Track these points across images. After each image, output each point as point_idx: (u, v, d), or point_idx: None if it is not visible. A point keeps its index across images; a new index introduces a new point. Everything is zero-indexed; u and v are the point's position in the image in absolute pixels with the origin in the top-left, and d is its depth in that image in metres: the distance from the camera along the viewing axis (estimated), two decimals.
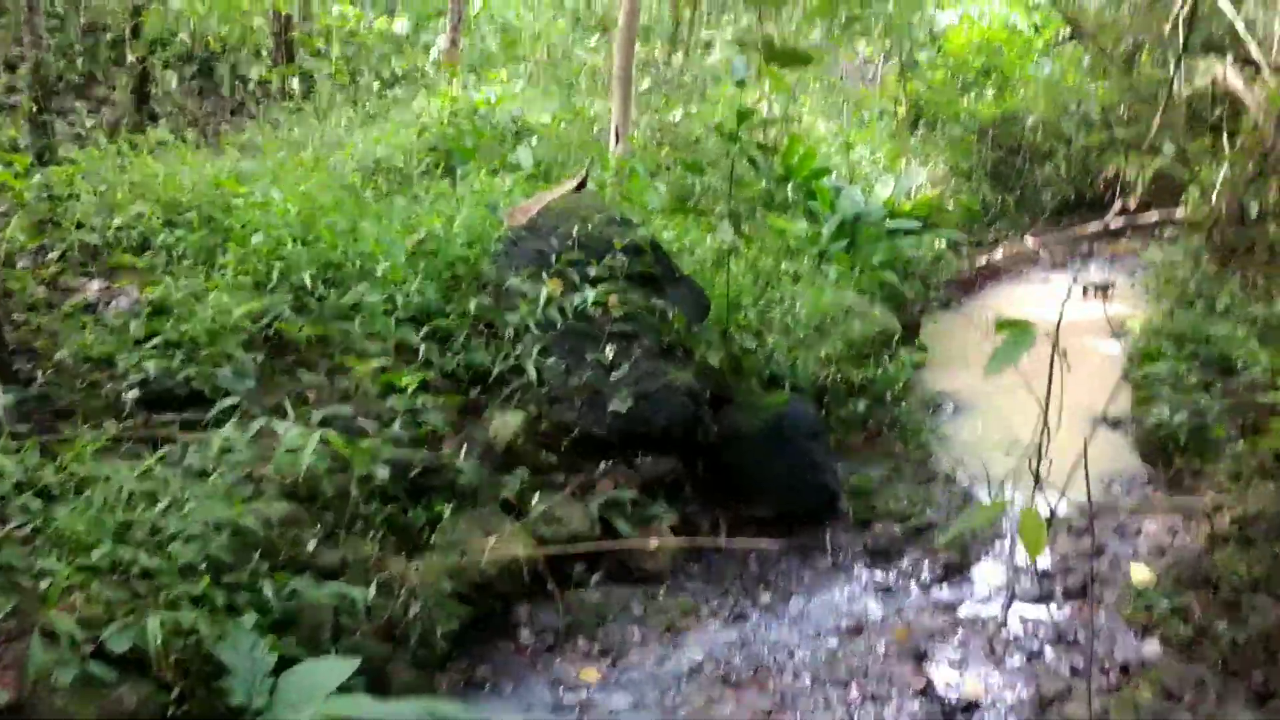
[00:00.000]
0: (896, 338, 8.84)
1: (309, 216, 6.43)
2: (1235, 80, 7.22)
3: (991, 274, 14.20)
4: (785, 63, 3.30)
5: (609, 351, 5.65)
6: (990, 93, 16.57)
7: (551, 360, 5.57)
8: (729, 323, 6.90)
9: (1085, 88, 15.71)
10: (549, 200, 6.44)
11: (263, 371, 5.11)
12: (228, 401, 4.51)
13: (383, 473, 4.30)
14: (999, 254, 13.98)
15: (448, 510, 4.44)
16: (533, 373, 5.47)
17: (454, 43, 10.50)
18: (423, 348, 5.57)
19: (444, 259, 6.30)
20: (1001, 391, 9.76)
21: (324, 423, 4.50)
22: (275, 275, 5.68)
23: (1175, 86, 10.67)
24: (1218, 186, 10.55)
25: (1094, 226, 13.71)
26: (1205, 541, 5.50)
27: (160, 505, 3.57)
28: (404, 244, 6.38)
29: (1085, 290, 13.45)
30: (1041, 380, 3.90)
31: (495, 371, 5.63)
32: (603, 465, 5.28)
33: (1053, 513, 3.57)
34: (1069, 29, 18.52)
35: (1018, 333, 2.83)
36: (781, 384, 7.27)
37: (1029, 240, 13.78)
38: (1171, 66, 10.08)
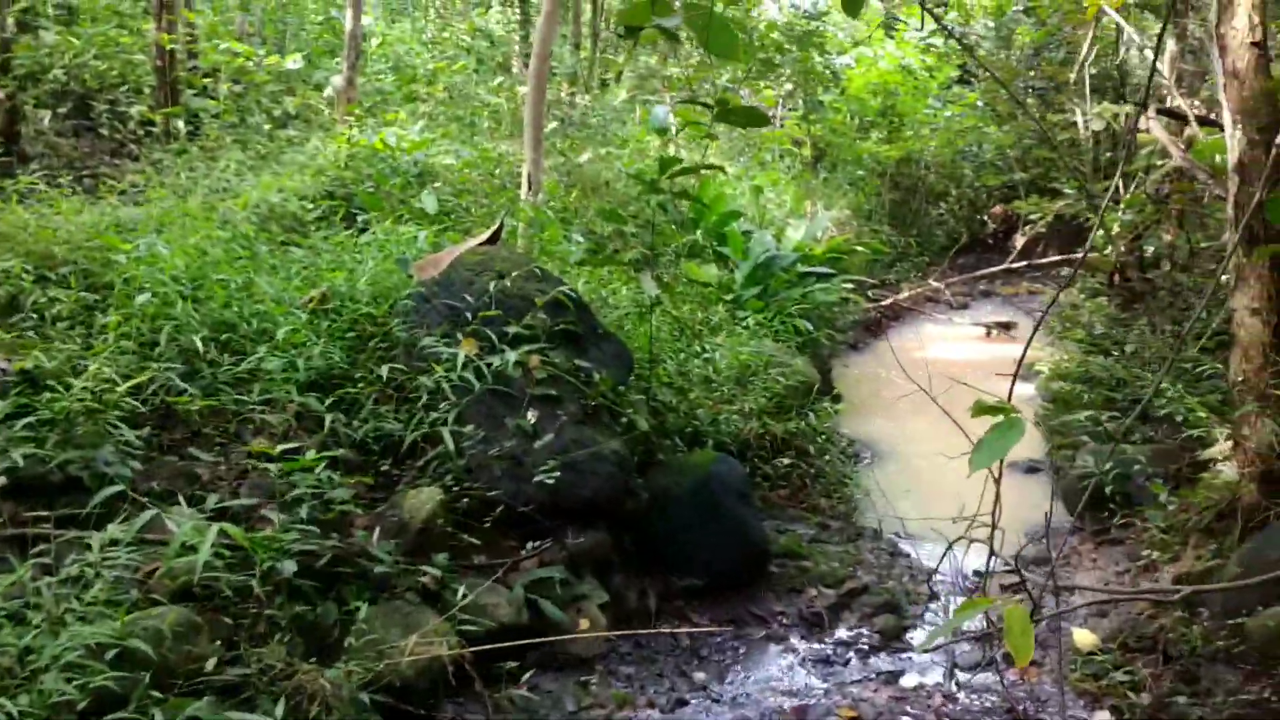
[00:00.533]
0: (816, 387, 8.67)
1: (199, 272, 5.94)
2: (1159, 130, 7.26)
3: (895, 315, 14.27)
4: (739, 122, 3.03)
5: (531, 417, 5.30)
6: (886, 134, 16.78)
7: (469, 428, 5.18)
8: (652, 379, 6.62)
9: (981, 130, 15.97)
10: (461, 253, 6.07)
11: (149, 450, 4.62)
12: (110, 490, 4.02)
13: (289, 567, 3.86)
14: (903, 295, 14.03)
15: (363, 607, 4.00)
16: (449, 442, 5.07)
17: (351, 82, 10.06)
18: (328, 417, 5.13)
19: (348, 317, 5.87)
20: (915, 437, 9.71)
21: (220, 511, 4.05)
22: (163, 339, 5.18)
23: (1081, 130, 10.84)
24: (1116, 229, 10.71)
25: (996, 268, 13.85)
26: (1148, 604, 5.38)
27: (32, 627, 3.09)
28: (303, 301, 5.95)
29: (988, 330, 13.59)
30: (964, 423, 3.69)
31: (408, 441, 5.22)
32: (529, 545, 4.90)
33: (1035, 605, 3.33)
34: (959, 72, 18.97)
35: (1005, 426, 2.58)
36: (705, 441, 7.01)
37: (933, 282, 13.85)
38: (1078, 112, 10.24)
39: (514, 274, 5.77)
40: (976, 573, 6.99)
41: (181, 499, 4.12)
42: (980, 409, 2.71)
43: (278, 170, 9.12)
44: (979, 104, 17.33)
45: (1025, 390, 11.14)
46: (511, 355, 5.29)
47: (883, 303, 13.36)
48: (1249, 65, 4.94)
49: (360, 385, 5.44)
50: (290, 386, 5.12)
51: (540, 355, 5.45)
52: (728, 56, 3.33)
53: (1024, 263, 13.41)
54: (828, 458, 8.23)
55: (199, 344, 5.23)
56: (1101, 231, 11.37)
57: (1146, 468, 7.02)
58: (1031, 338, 4.04)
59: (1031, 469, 8.79)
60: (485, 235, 6.29)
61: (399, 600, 4.26)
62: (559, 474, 5.04)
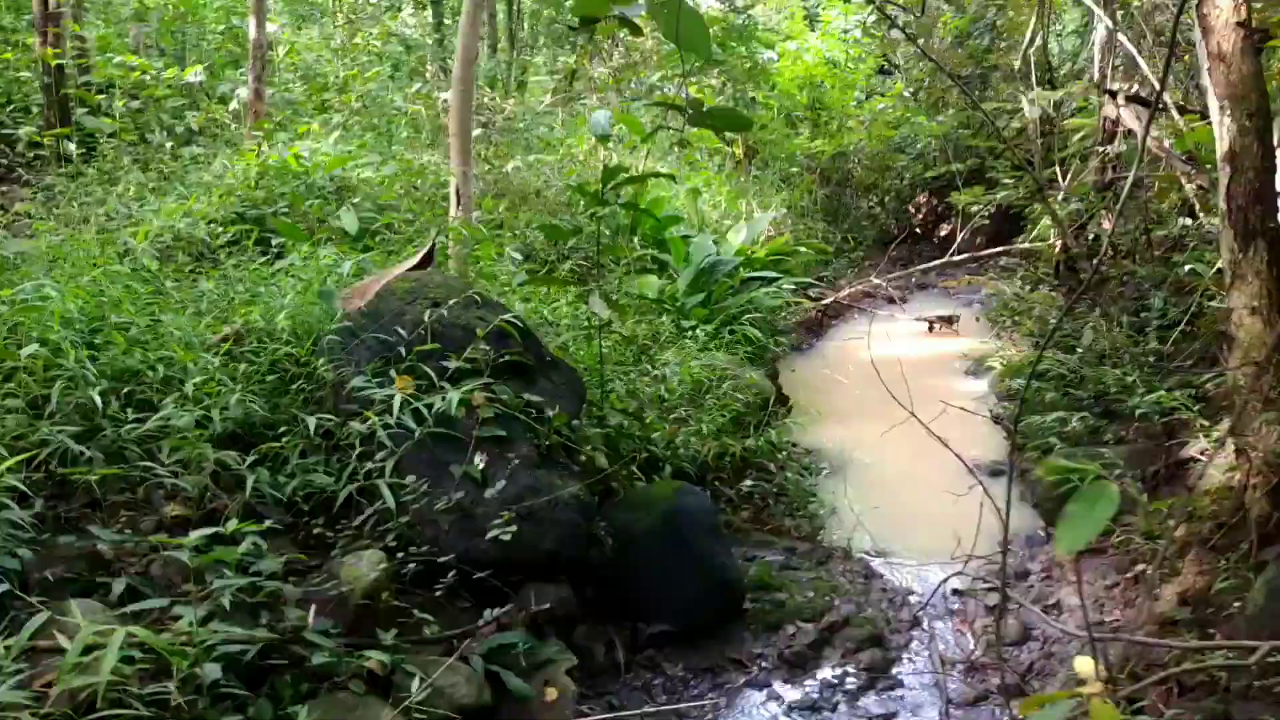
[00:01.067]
0: (772, 399, 8.26)
1: (96, 314, 5.31)
2: (1131, 118, 6.97)
3: (835, 312, 13.95)
4: (720, 125, 2.58)
5: (480, 462, 4.77)
6: (812, 128, 16.48)
7: (410, 479, 4.64)
8: (604, 405, 6.13)
9: (911, 121, 15.75)
10: (390, 280, 5.52)
11: (43, 529, 4.01)
12: None
13: (212, 671, 3.30)
14: (843, 293, 13.72)
15: (302, 710, 3.45)
16: (388, 496, 4.53)
17: (258, 94, 9.38)
18: (250, 476, 4.55)
19: (267, 358, 5.28)
20: (871, 444, 9.32)
21: (130, 597, 3.47)
22: (55, 396, 4.54)
23: (1028, 114, 10.58)
24: (1057, 219, 10.48)
25: (937, 261, 13.59)
26: (1155, 625, 5.03)
27: None
28: (215, 341, 5.36)
29: (931, 325, 13.31)
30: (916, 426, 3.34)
31: (341, 497, 4.66)
32: (487, 612, 4.37)
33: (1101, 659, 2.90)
34: (883, 63, 18.78)
35: (1093, 496, 2.13)
36: (661, 467, 6.56)
37: (875, 279, 13.54)
38: (1024, 100, 9.97)
39: (451, 301, 5.23)
40: (956, 592, 6.65)
41: (81, 591, 3.53)
42: (1053, 469, 2.28)
43: (183, 192, 8.45)
44: (905, 94, 17.13)
45: (977, 387, 10.85)
46: (454, 395, 4.76)
47: (824, 301, 13.01)
48: (1235, 47, 4.61)
49: (284, 436, 4.86)
50: (205, 445, 4.52)
51: (485, 391, 4.92)
52: (697, 50, 2.87)
53: (965, 255, 13.16)
54: (788, 473, 7.83)
55: (97, 400, 4.60)
56: (1048, 220, 11.15)
57: (1125, 471, 6.73)
58: (1040, 355, 3.63)
59: (996, 472, 8.47)
60: (416, 259, 5.74)
61: (343, 691, 3.71)
62: (515, 526, 4.52)
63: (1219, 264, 7.35)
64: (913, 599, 6.47)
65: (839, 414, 9.89)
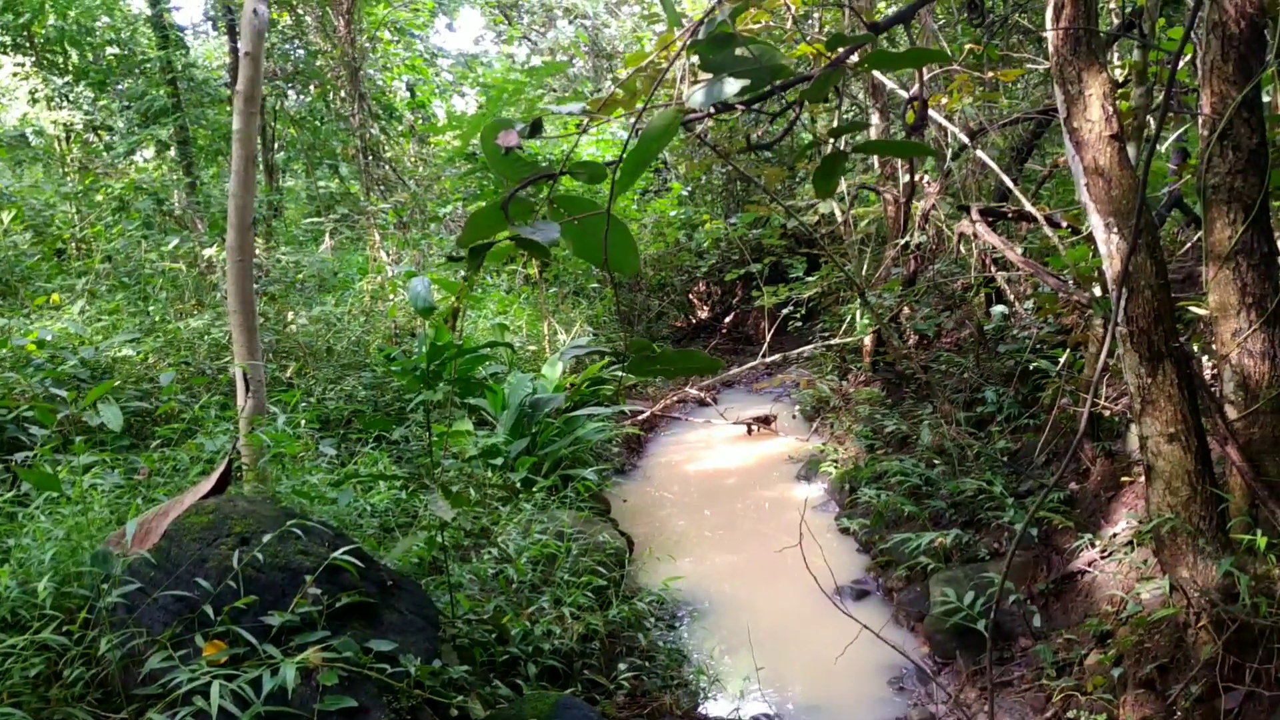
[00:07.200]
0: (628, 556, 7.51)
1: None
2: (988, 233, 6.73)
3: (649, 423, 13.43)
4: (680, 371, 1.91)
5: None
6: None
7: None
8: (454, 616, 5.22)
9: (702, 226, 15.63)
10: (180, 513, 4.46)
11: None
12: None
13: None
14: (658, 405, 13.21)
15: None
16: None
17: None
18: None
19: (29, 639, 4.11)
20: (724, 577, 8.73)
21: None
22: None
23: (839, 215, 10.44)
24: (876, 314, 10.37)
25: (750, 363, 13.29)
26: None
27: None
28: None
29: (749, 428, 12.96)
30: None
31: None
32: None
33: None
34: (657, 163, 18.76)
35: None
36: (521, 665, 5.67)
37: (692, 390, 13.10)
38: (834, 203, 9.82)
39: (265, 537, 4.23)
40: None
41: None
42: None
43: None
44: (684, 192, 17.07)
45: (813, 493, 10.47)
46: (289, 667, 3.75)
47: (642, 417, 12.44)
48: (1111, 160, 4.33)
49: None
50: None
51: (324, 650, 3.95)
52: (625, 267, 2.18)
53: (779, 355, 12.93)
54: (654, 635, 7.07)
55: None
56: (858, 314, 11.03)
57: (1013, 592, 6.36)
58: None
59: (860, 593, 8.00)
60: (209, 482, 4.70)
61: None
62: None
63: (1063, 359, 7.23)
64: None
65: (683, 546, 9.25)
